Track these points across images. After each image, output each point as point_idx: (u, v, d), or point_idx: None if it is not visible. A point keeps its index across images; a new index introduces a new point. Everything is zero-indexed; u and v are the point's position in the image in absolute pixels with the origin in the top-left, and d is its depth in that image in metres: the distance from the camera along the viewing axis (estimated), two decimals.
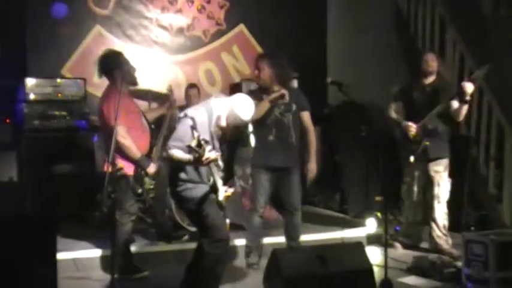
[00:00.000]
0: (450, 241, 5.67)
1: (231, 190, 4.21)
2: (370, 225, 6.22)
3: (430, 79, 5.69)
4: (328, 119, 7.56)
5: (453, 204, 5.87)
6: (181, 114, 4.29)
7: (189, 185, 4.18)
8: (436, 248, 5.67)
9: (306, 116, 5.26)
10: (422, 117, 5.52)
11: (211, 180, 4.12)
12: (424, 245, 5.89)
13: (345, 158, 7.32)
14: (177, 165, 4.20)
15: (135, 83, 4.98)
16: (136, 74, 5.02)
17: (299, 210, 5.26)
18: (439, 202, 5.66)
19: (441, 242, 5.67)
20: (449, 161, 5.70)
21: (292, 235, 5.23)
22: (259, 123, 5.10)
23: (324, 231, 6.04)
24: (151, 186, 4.93)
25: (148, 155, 4.95)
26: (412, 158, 5.54)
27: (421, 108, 5.57)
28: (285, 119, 5.13)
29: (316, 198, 7.61)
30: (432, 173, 5.64)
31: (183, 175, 4.18)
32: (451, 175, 5.72)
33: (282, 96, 5.03)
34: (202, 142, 3.84)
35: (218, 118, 4.21)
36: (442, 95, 5.55)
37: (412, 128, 5.55)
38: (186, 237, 5.63)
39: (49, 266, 3.70)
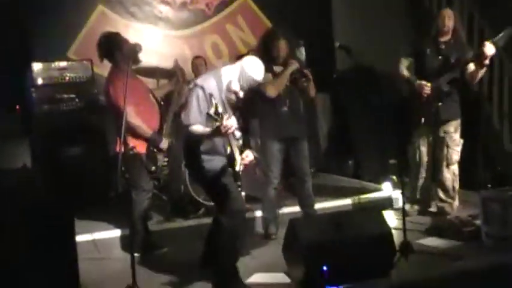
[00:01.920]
0: (456, 204, 5.59)
1: (249, 159, 4.18)
2: (386, 189, 6.20)
3: (446, 37, 5.43)
4: (337, 84, 7.49)
5: (468, 163, 5.81)
6: (191, 85, 4.27)
7: (206, 157, 4.16)
8: (441, 211, 5.58)
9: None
10: (434, 76, 5.34)
11: (228, 150, 4.10)
12: (433, 208, 5.80)
13: (356, 123, 7.26)
14: (192, 138, 4.18)
15: (137, 61, 4.95)
16: (141, 52, 4.98)
17: (310, 176, 5.30)
18: (448, 164, 5.52)
19: (444, 205, 5.58)
20: (462, 121, 5.54)
21: (306, 202, 5.25)
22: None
23: (340, 198, 6.02)
24: (165, 163, 4.93)
25: (159, 132, 4.95)
26: (423, 120, 5.42)
27: (435, 68, 5.38)
28: (294, 89, 5.09)
29: (329, 165, 7.59)
30: (442, 134, 5.48)
31: (198, 148, 4.16)
32: (463, 135, 5.60)
33: (297, 69, 5.02)
34: (220, 110, 3.82)
35: (229, 83, 4.15)
36: (458, 55, 5.35)
37: (427, 87, 5.30)
38: (202, 211, 5.64)
39: (69, 249, 3.72)
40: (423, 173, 5.64)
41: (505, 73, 6.41)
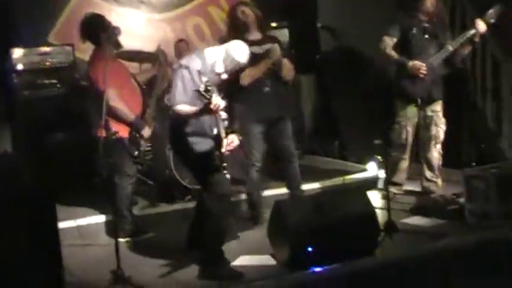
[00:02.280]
0: (440, 183, 5.59)
1: (234, 144, 4.16)
2: (372, 169, 6.21)
3: (430, 17, 5.39)
4: (321, 65, 7.46)
5: (453, 142, 5.82)
6: (175, 66, 4.23)
7: (192, 139, 4.13)
8: (427, 190, 5.57)
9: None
10: (421, 56, 5.30)
11: (215, 131, 4.07)
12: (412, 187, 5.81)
13: (341, 104, 7.26)
14: (178, 120, 4.15)
15: (118, 45, 4.89)
16: (123, 36, 4.93)
17: (296, 156, 5.26)
18: (436, 143, 5.52)
19: (430, 184, 5.56)
20: (445, 99, 5.55)
21: (294, 184, 5.24)
22: None
23: (326, 179, 6.02)
24: (148, 148, 4.90)
25: (142, 117, 4.91)
26: (419, 100, 5.36)
27: (422, 47, 5.34)
28: (275, 65, 5.04)
29: (314, 146, 7.58)
30: (430, 113, 5.47)
31: (184, 129, 4.13)
32: (447, 113, 5.61)
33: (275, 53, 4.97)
34: (210, 87, 3.79)
35: (213, 64, 4.12)
36: (443, 34, 5.37)
37: (423, 67, 5.25)
38: (188, 197, 5.61)
39: (51, 235, 3.69)
40: (407, 153, 5.62)
41: (487, 50, 6.41)
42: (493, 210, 4.58)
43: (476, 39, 5.17)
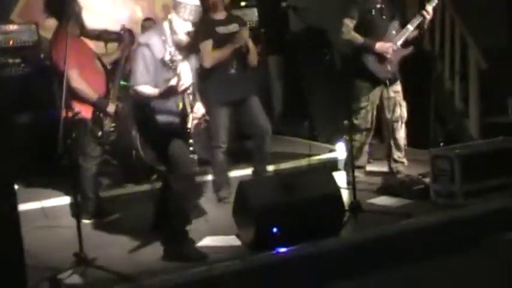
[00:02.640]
0: (406, 163, 5.60)
1: (201, 112, 4.10)
2: (340, 150, 6.21)
3: None
4: (290, 45, 7.42)
5: (420, 122, 5.85)
6: (134, 45, 4.15)
7: (156, 117, 4.06)
8: (394, 171, 5.57)
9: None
10: (382, 37, 5.26)
11: (180, 106, 4.00)
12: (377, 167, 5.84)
13: (310, 84, 7.22)
14: (141, 98, 4.07)
15: (82, 24, 4.79)
16: (89, 14, 4.82)
17: (269, 133, 5.17)
18: (402, 123, 5.50)
19: (398, 165, 5.55)
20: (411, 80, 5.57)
21: (261, 162, 5.20)
22: None
23: (294, 159, 6.01)
24: (112, 129, 4.83)
25: (105, 97, 4.82)
26: (388, 82, 5.32)
27: (381, 27, 5.31)
28: (242, 48, 5.00)
29: (284, 127, 7.55)
30: (392, 94, 5.42)
31: (148, 108, 4.06)
32: (415, 93, 5.63)
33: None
34: (175, 58, 3.72)
35: (172, 30, 4.02)
36: (397, 15, 5.37)
37: (391, 49, 5.20)
38: (154, 176, 5.56)
39: (11, 219, 3.61)
40: (370, 136, 5.60)
41: (456, 31, 6.44)
42: (457, 190, 4.61)
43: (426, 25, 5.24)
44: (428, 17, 5.18)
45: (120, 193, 5.40)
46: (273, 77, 7.68)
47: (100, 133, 4.75)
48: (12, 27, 6.36)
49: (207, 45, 4.92)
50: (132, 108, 4.28)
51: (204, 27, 4.75)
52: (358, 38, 5.28)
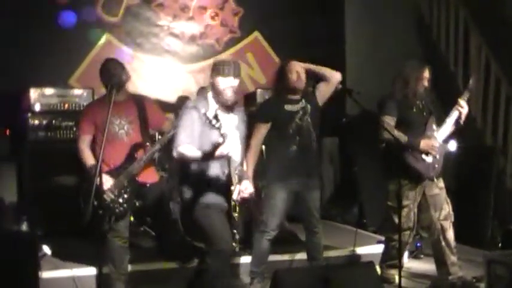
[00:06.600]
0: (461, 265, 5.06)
1: (248, 191, 3.91)
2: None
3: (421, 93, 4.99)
4: (346, 129, 7.25)
5: (478, 219, 5.48)
6: (183, 108, 4.06)
7: (196, 187, 3.94)
8: (447, 271, 4.95)
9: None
10: (420, 133, 4.91)
11: (225, 172, 3.86)
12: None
13: (363, 169, 6.96)
14: (185, 166, 3.98)
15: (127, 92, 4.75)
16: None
17: (320, 227, 4.84)
18: (452, 221, 5.01)
19: (456, 269, 4.97)
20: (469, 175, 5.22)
21: (314, 255, 4.83)
22: (279, 134, 4.68)
23: (338, 248, 5.68)
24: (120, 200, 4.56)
25: (119, 168, 4.59)
26: (435, 179, 4.93)
27: (420, 123, 4.97)
28: (304, 123, 4.69)
29: (333, 212, 7.27)
30: (438, 191, 4.99)
31: (190, 175, 3.96)
32: (473, 190, 5.29)
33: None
34: (219, 116, 3.60)
35: (217, 90, 3.95)
36: (432, 106, 5.05)
37: (436, 146, 4.89)
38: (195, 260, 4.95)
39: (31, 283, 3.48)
40: (412, 235, 5.15)
41: None
42: None
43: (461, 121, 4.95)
44: (463, 110, 4.89)
45: (153, 268, 5.16)
46: (325, 159, 7.47)
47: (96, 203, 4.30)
48: (69, 91, 6.47)
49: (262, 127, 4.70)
50: (178, 178, 4.14)
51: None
52: (402, 137, 4.89)
